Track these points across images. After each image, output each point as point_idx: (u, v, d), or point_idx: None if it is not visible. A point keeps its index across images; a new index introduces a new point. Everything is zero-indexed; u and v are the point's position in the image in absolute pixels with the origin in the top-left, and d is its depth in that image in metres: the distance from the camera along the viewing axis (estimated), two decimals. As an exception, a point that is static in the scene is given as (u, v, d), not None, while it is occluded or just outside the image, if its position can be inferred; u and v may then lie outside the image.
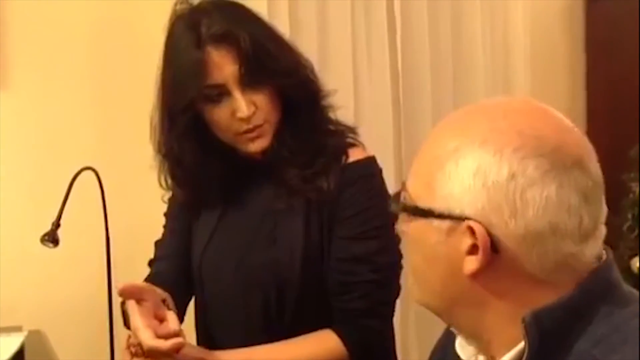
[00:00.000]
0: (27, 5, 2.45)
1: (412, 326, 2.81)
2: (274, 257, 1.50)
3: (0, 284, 2.37)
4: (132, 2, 2.56)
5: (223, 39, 1.43)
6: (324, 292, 1.51)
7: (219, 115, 1.47)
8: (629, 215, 2.73)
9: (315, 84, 1.54)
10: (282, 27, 2.10)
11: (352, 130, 1.58)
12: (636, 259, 2.64)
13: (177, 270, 1.62)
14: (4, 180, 2.44)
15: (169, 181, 1.59)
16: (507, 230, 0.86)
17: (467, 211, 0.87)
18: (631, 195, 2.74)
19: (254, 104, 1.45)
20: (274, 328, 1.51)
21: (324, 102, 1.55)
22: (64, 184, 1.88)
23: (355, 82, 2.70)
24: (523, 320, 0.87)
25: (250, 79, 1.43)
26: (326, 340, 1.49)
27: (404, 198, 0.95)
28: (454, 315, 0.96)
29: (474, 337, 0.97)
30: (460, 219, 0.88)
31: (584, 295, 0.88)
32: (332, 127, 1.56)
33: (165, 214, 1.70)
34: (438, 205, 0.89)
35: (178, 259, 1.63)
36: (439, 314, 0.98)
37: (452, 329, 1.02)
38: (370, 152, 1.56)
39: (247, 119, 1.45)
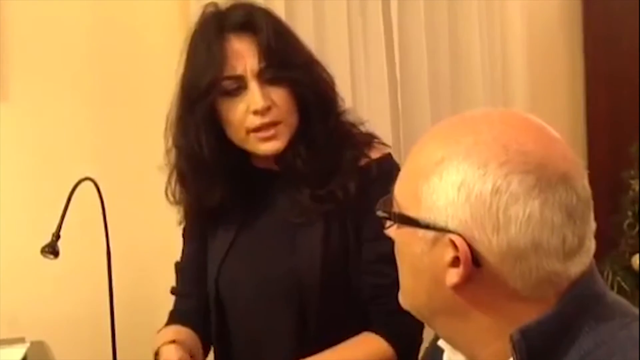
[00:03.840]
0: (26, 16, 2.45)
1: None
2: (294, 266, 1.50)
3: (2, 295, 2.37)
4: (133, 15, 2.55)
5: (245, 28, 1.45)
6: (348, 298, 1.51)
7: (234, 109, 1.46)
8: (629, 213, 2.73)
9: (329, 84, 1.54)
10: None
11: (375, 136, 1.58)
12: (636, 257, 2.63)
13: (201, 306, 1.63)
14: (4, 192, 2.45)
15: (177, 195, 1.58)
16: (490, 245, 0.86)
17: (451, 224, 0.87)
18: (631, 193, 2.74)
19: (271, 99, 1.45)
20: (301, 339, 1.51)
21: (341, 114, 1.55)
22: (64, 195, 1.88)
23: (353, 88, 2.68)
24: (511, 338, 0.87)
25: (269, 72, 1.44)
26: (372, 342, 1.49)
27: (392, 205, 0.95)
28: (438, 324, 0.97)
29: (459, 348, 0.97)
30: (443, 231, 0.88)
31: (570, 310, 0.88)
32: (350, 140, 1.54)
33: (183, 235, 1.69)
34: (423, 216, 0.90)
35: (200, 297, 1.63)
36: (425, 321, 0.99)
37: (439, 342, 1.03)
38: (386, 148, 1.56)
39: (261, 112, 1.44)
